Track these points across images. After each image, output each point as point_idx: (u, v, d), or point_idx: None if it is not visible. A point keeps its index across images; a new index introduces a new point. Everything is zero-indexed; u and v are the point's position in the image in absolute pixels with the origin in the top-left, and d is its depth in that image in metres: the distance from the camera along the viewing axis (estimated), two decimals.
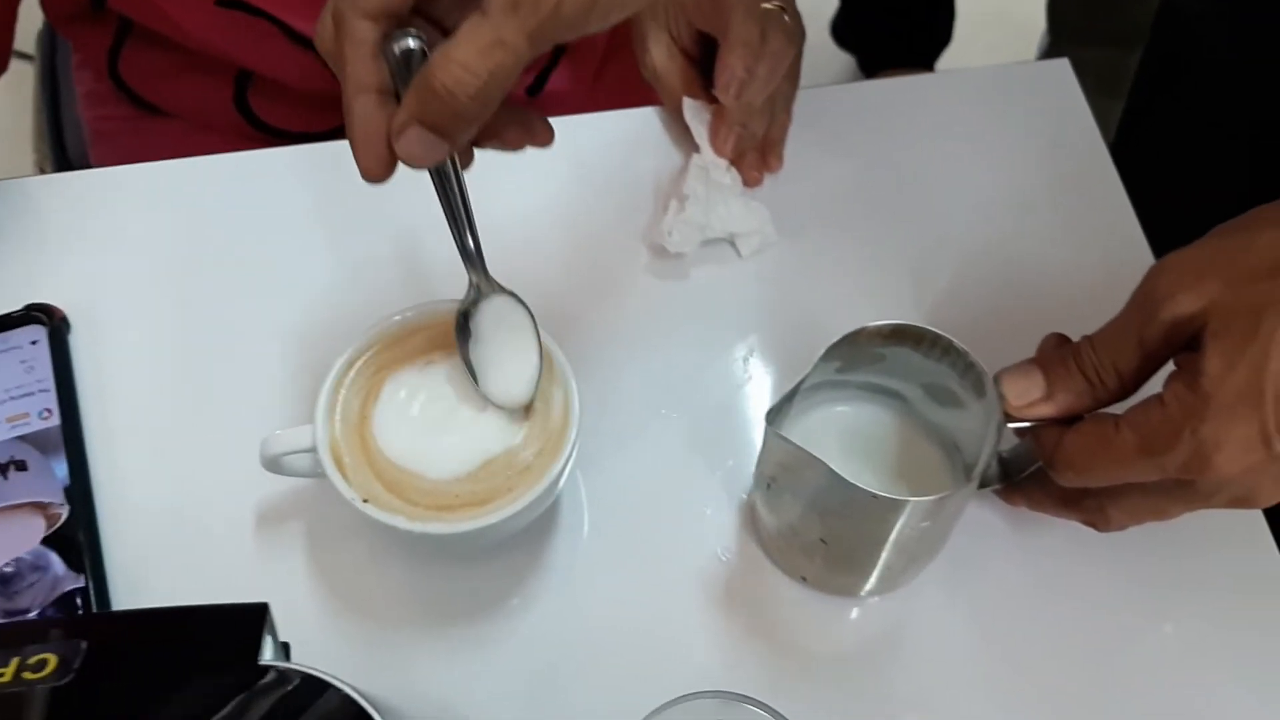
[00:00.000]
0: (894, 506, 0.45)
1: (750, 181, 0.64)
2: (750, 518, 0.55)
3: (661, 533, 0.55)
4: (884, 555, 0.49)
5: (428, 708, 0.50)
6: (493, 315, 0.50)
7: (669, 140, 0.66)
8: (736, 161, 0.63)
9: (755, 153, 0.64)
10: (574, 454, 0.49)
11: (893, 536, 0.47)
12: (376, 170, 0.42)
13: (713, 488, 0.56)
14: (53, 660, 0.30)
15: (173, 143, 0.78)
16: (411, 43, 0.41)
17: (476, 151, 0.46)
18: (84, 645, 0.31)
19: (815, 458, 0.45)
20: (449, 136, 0.41)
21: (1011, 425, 0.47)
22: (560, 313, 0.60)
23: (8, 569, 0.51)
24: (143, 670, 0.26)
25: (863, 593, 0.53)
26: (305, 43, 0.70)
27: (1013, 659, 0.53)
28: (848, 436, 0.52)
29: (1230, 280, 0.42)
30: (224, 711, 0.26)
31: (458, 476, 0.48)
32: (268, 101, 0.76)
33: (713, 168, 0.62)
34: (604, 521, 0.56)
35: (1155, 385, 0.44)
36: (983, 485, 0.51)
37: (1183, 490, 0.44)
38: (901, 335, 0.49)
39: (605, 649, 0.52)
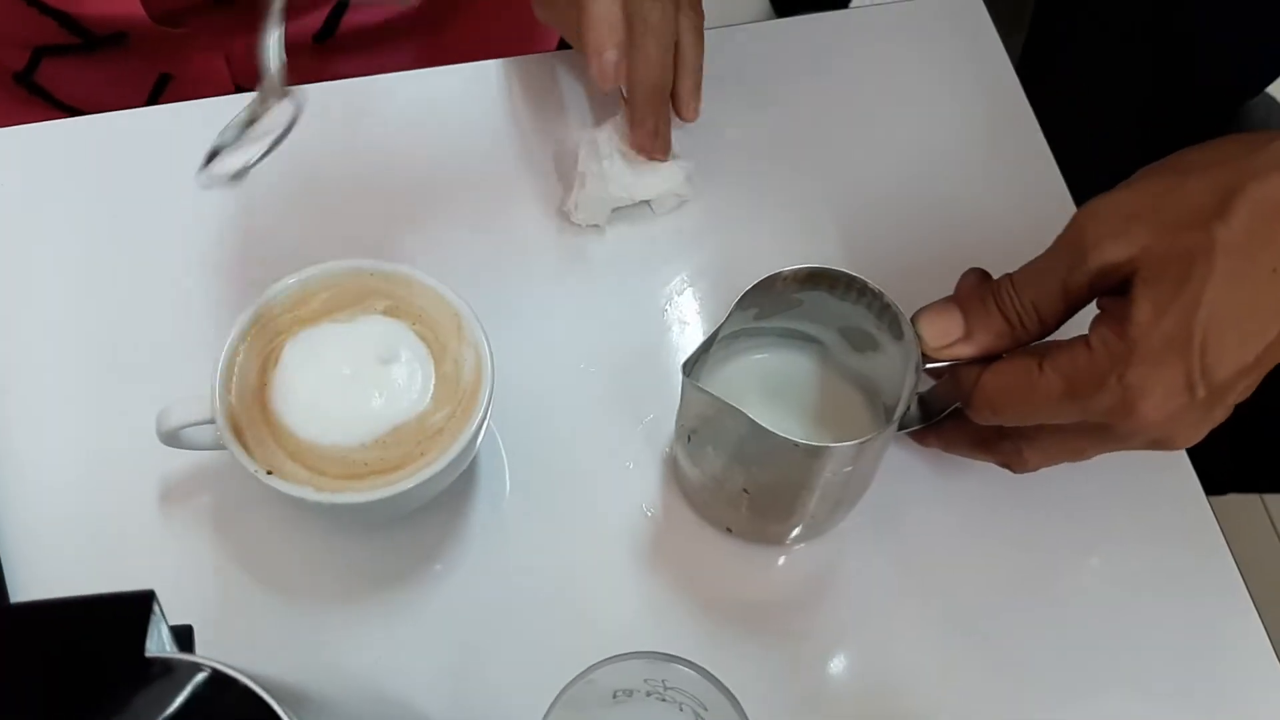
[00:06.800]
0: (816, 453, 0.44)
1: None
2: (673, 471, 0.54)
3: (584, 490, 0.54)
4: (809, 502, 0.48)
5: (349, 684, 0.48)
6: None
7: (578, 85, 0.64)
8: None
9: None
10: (488, 415, 0.48)
11: (816, 483, 0.46)
12: None
13: (634, 442, 0.55)
14: None
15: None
16: None
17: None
18: None
19: (734, 407, 0.44)
20: None
21: (929, 366, 0.46)
22: (471, 273, 0.58)
23: None
24: (15, 671, 0.24)
25: (788, 540, 0.53)
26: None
27: (940, 599, 0.53)
28: (767, 384, 0.52)
29: (1161, 227, 0.41)
30: (105, 710, 0.24)
31: (365, 443, 0.46)
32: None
33: (604, 143, 0.58)
34: (525, 481, 0.54)
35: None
36: (902, 427, 0.50)
37: (1101, 432, 0.44)
38: (817, 279, 0.48)
39: (531, 612, 0.51)
